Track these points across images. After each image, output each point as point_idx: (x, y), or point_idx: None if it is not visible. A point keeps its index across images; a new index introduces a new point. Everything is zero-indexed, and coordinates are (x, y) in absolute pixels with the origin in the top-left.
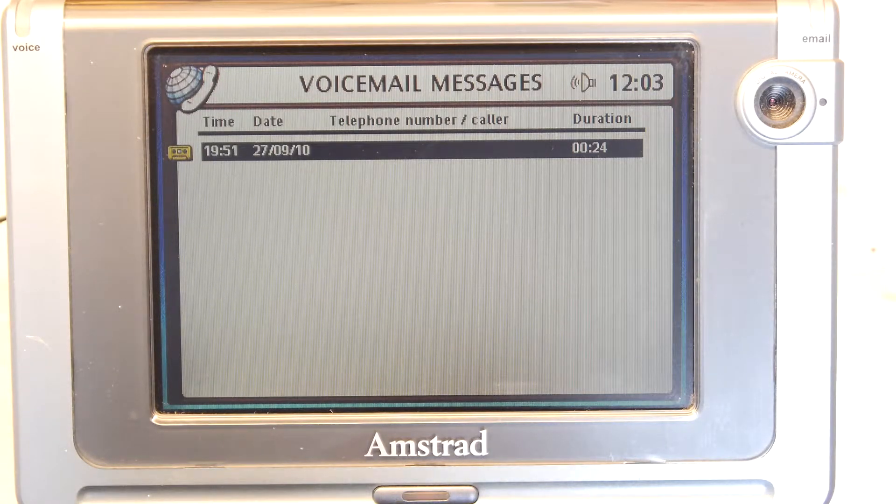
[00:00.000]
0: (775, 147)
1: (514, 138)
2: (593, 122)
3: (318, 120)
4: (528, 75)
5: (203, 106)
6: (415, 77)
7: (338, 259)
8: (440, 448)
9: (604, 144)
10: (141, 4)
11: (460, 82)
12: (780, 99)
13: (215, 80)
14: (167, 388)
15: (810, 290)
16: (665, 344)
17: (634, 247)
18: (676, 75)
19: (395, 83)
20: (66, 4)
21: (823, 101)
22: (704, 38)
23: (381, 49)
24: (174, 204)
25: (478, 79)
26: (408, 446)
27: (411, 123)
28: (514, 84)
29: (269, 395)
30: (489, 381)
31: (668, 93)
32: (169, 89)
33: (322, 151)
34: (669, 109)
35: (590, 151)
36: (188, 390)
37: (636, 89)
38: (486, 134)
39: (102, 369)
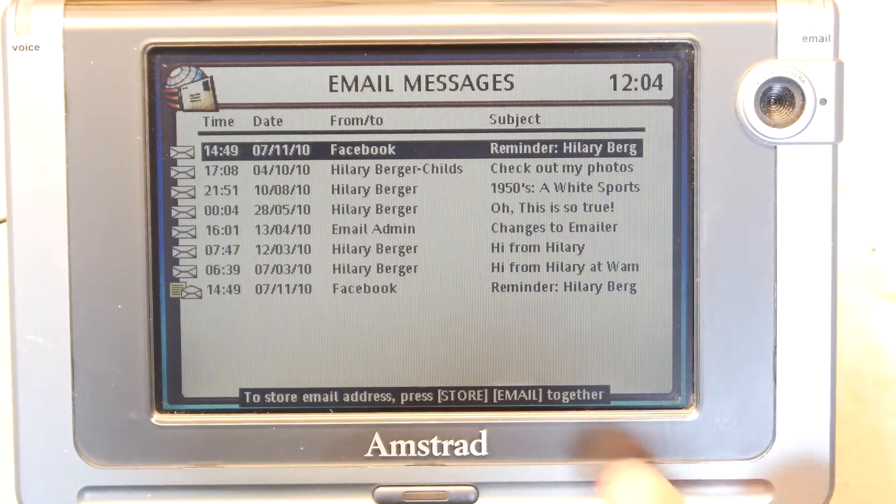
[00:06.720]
0: (775, 147)
1: (513, 138)
2: (593, 121)
3: (318, 120)
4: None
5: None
6: (415, 77)
7: (337, 259)
8: (440, 448)
9: (604, 144)
10: (141, 4)
11: (460, 82)
12: (780, 99)
13: (215, 79)
14: (167, 388)
15: (810, 290)
16: (665, 344)
17: (635, 247)
18: (676, 75)
19: (395, 83)
20: (65, 4)
21: (823, 101)
22: (704, 38)
23: (382, 49)
24: (174, 204)
25: (478, 79)
26: (408, 446)
27: (411, 123)
28: (513, 84)
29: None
30: (489, 381)
31: (668, 93)
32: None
33: (322, 151)
34: (669, 109)
35: (590, 151)
36: (188, 390)
37: (636, 89)
38: (486, 133)
39: (102, 369)
